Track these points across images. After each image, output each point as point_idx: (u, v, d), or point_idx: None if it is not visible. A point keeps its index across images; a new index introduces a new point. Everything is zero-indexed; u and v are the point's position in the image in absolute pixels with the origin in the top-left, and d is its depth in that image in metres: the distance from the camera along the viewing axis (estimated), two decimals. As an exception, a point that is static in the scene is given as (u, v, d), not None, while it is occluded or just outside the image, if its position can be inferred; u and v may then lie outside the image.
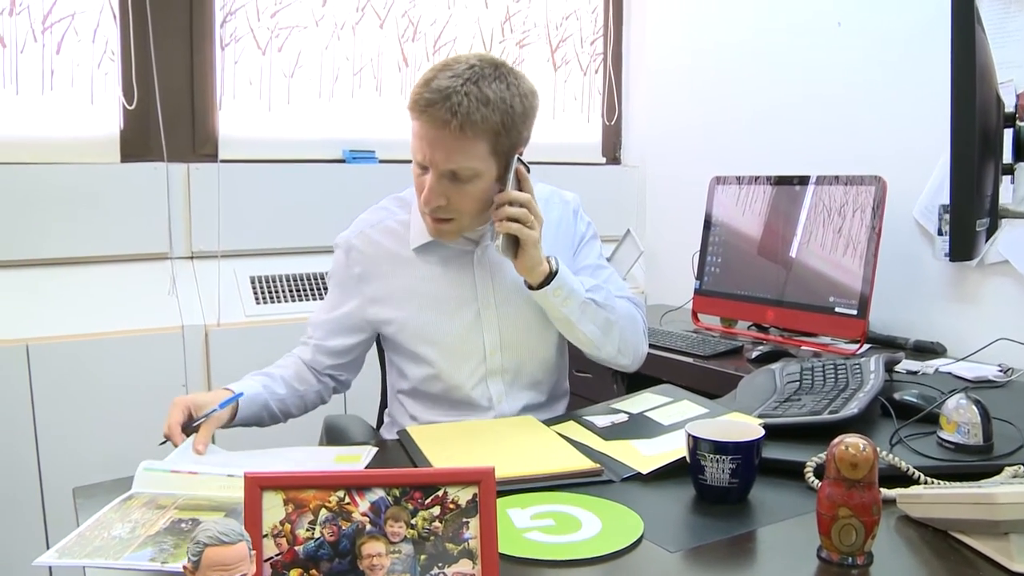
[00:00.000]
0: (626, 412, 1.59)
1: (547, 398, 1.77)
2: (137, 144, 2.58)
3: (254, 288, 2.66)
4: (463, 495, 0.87)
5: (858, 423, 1.45)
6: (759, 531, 1.15)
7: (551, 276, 1.57)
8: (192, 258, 2.64)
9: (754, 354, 2.23)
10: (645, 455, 1.37)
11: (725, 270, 2.64)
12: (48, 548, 1.01)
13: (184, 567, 0.76)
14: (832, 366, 1.74)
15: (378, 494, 0.86)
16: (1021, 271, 2.17)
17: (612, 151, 3.49)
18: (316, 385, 1.70)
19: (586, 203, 1.82)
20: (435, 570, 0.86)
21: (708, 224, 2.71)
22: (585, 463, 1.34)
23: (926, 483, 1.27)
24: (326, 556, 0.85)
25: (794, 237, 2.46)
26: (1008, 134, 1.63)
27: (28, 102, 2.43)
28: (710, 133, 3.09)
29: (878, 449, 1.06)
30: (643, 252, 3.29)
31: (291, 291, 2.69)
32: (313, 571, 0.85)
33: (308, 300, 2.68)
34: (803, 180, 2.46)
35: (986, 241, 1.71)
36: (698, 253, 2.74)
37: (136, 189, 2.54)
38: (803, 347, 2.34)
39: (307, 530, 0.85)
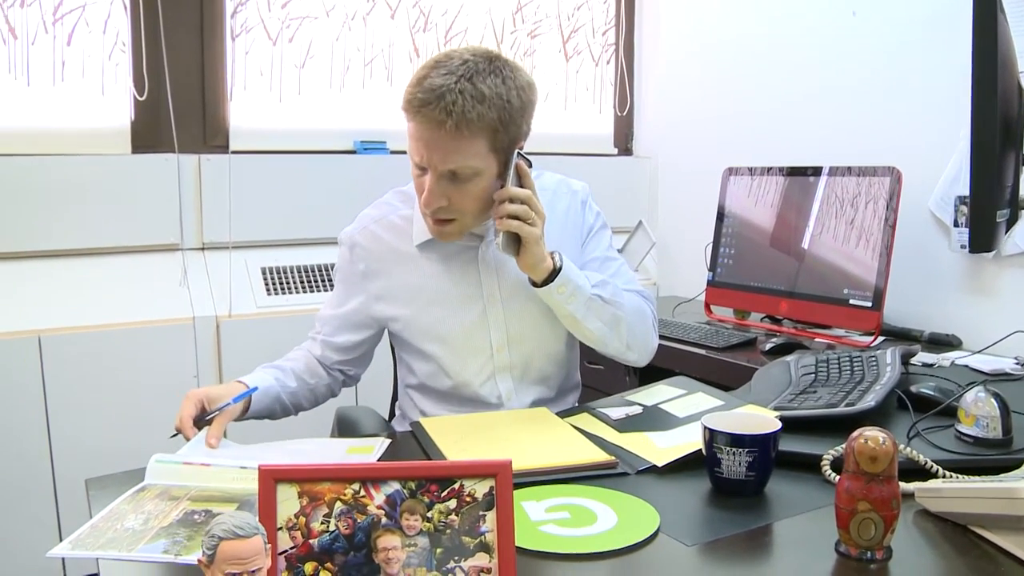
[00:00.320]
0: (640, 404, 1.57)
1: (557, 392, 1.75)
2: (148, 135, 2.58)
3: (265, 279, 2.66)
4: (480, 488, 0.86)
5: (875, 416, 1.43)
6: (776, 525, 1.14)
7: (555, 273, 1.54)
8: (203, 249, 2.64)
9: (768, 346, 2.21)
10: (660, 447, 1.36)
11: (738, 262, 2.63)
12: (60, 539, 1.01)
13: (199, 560, 0.75)
14: (848, 358, 1.72)
15: (394, 487, 0.85)
16: (1038, 263, 2.15)
17: (624, 142, 3.47)
18: (326, 379, 1.69)
19: (597, 194, 1.80)
20: (451, 563, 0.85)
21: (721, 215, 2.69)
22: (600, 455, 1.32)
23: (944, 477, 1.25)
24: (341, 549, 0.84)
25: (808, 228, 2.44)
26: (1030, 124, 1.61)
27: (39, 93, 2.43)
28: (723, 124, 3.07)
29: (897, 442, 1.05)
30: (655, 243, 3.28)
31: (302, 282, 2.69)
32: (328, 564, 0.84)
33: (319, 291, 2.67)
34: (817, 171, 2.44)
35: (1006, 232, 1.69)
36: (711, 245, 2.72)
37: (147, 180, 2.54)
38: (817, 339, 2.32)
39: (322, 523, 0.84)
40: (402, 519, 0.85)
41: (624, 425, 1.47)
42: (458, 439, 1.42)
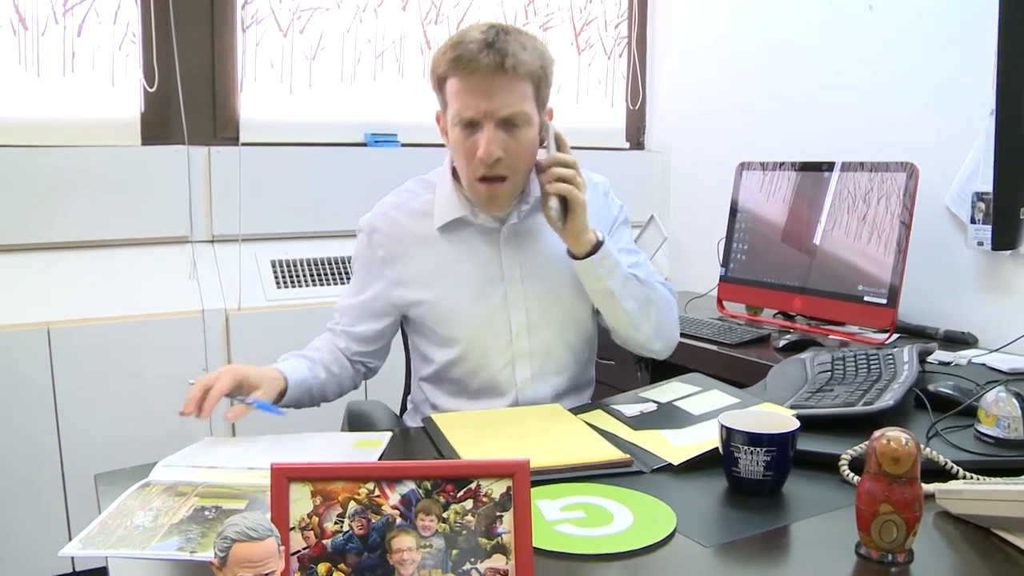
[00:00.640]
0: (655, 401, 1.56)
1: (573, 386, 1.74)
2: (158, 127, 2.56)
3: (275, 272, 2.65)
4: (497, 488, 0.84)
5: (893, 415, 1.42)
6: (794, 526, 1.13)
7: (598, 246, 1.55)
8: (213, 242, 2.62)
9: (781, 343, 2.19)
10: (676, 445, 1.34)
11: (751, 257, 2.61)
12: (69, 533, 1.00)
13: (211, 563, 0.73)
14: (864, 356, 1.70)
15: (409, 486, 0.83)
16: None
17: (636, 136, 3.45)
18: (350, 370, 1.68)
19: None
20: (467, 565, 0.83)
21: (734, 210, 2.67)
22: (615, 453, 1.31)
23: (965, 478, 1.23)
24: (355, 550, 0.83)
25: (821, 224, 2.41)
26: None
27: (49, 84, 2.42)
28: (735, 118, 3.04)
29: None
30: (667, 238, 3.26)
31: (312, 275, 2.67)
32: (341, 565, 0.82)
33: (329, 284, 2.66)
34: (830, 166, 2.41)
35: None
36: (723, 240, 2.70)
37: (156, 172, 2.52)
38: (830, 336, 2.30)
39: (335, 523, 0.83)
40: (417, 519, 0.83)
41: (639, 423, 1.45)
42: (471, 435, 1.40)
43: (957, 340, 2.23)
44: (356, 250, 1.71)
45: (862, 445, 1.28)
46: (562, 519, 1.10)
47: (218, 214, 2.61)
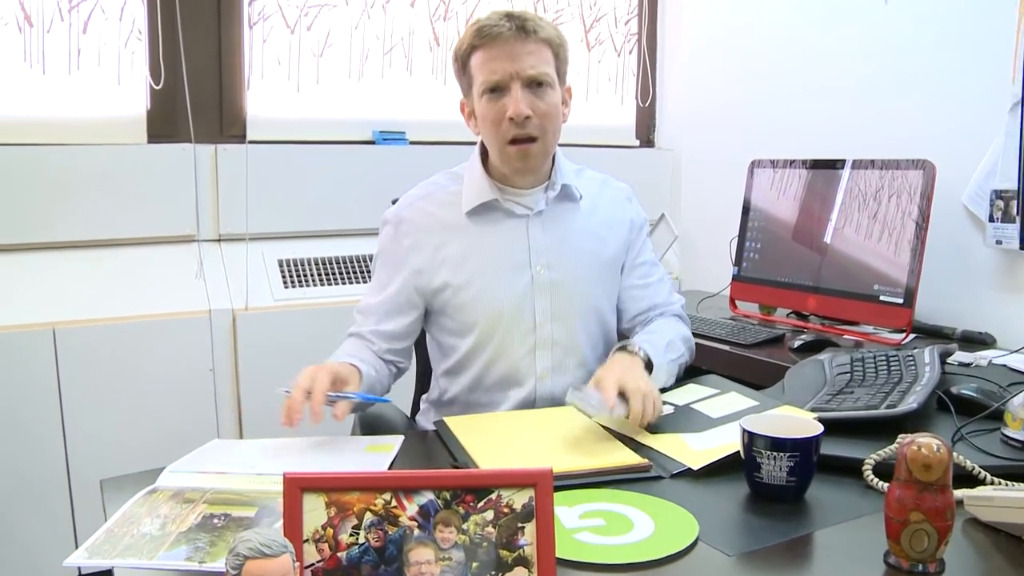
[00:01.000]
0: (672, 404, 1.52)
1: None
2: (164, 125, 2.53)
3: (282, 272, 2.62)
4: (518, 498, 0.81)
5: (916, 418, 1.38)
6: (819, 533, 1.10)
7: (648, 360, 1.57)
8: (220, 241, 2.60)
9: (796, 343, 2.16)
10: (695, 450, 1.31)
11: (764, 256, 2.57)
12: (76, 538, 0.98)
13: (224, 579, 0.70)
14: (884, 357, 1.67)
15: (427, 497, 0.80)
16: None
17: (646, 133, 3.41)
18: (386, 371, 1.67)
19: (604, 174, 1.83)
20: (487, 578, 0.80)
21: (747, 209, 2.64)
22: (633, 458, 1.28)
23: (993, 484, 1.20)
24: (371, 563, 0.80)
25: (836, 223, 2.38)
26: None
27: (54, 82, 2.39)
28: (747, 115, 3.01)
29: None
30: (677, 237, 3.23)
31: (320, 275, 2.65)
32: (357, 578, 0.80)
33: (337, 284, 2.63)
34: (844, 164, 2.38)
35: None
36: (735, 239, 2.66)
37: (163, 170, 2.49)
38: (845, 336, 2.27)
39: (351, 535, 0.80)
40: (436, 531, 0.80)
41: (656, 426, 1.42)
42: (485, 439, 1.38)
43: (975, 340, 2.19)
44: (380, 244, 1.71)
45: (887, 449, 1.25)
46: (581, 527, 1.07)
47: (225, 213, 2.58)
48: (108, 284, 2.39)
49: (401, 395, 1.91)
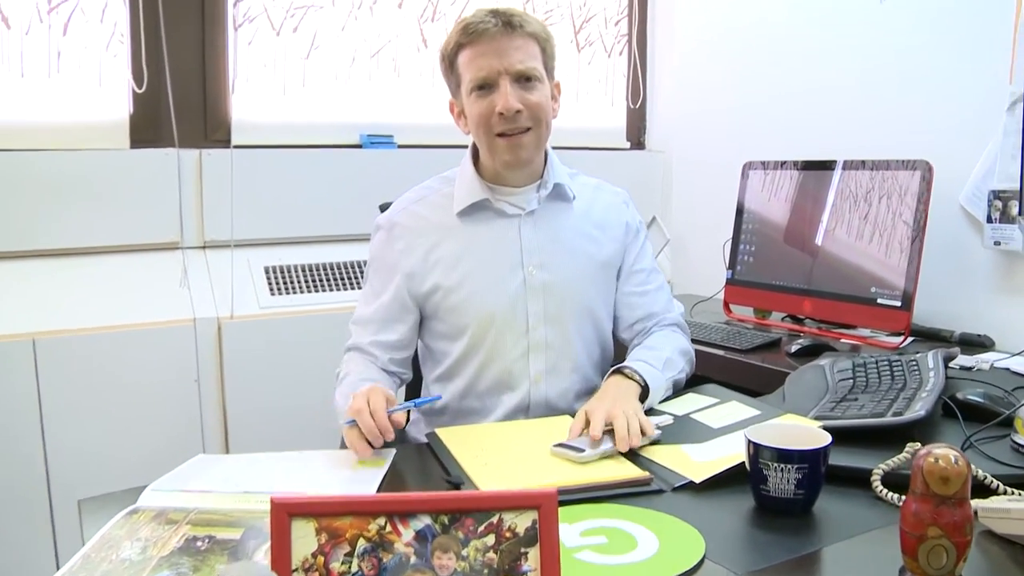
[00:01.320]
0: (671, 414, 1.48)
1: (586, 389, 1.69)
2: (147, 129, 2.48)
3: (269, 279, 2.56)
4: (521, 521, 0.76)
5: (923, 426, 1.35)
6: (829, 549, 1.05)
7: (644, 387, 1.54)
8: (204, 248, 2.54)
9: (794, 348, 2.12)
10: (697, 461, 1.27)
11: (759, 259, 2.53)
12: (57, 557, 0.92)
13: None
14: (887, 363, 1.63)
15: (424, 521, 0.76)
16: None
17: (636, 135, 3.37)
18: (392, 385, 1.64)
19: (599, 179, 1.81)
20: (487, 605, 0.76)
21: (740, 211, 2.60)
22: (633, 471, 1.24)
23: (1006, 494, 1.16)
24: (365, 591, 0.75)
25: (831, 224, 2.34)
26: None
27: (34, 86, 2.33)
28: (740, 116, 2.97)
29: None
30: (669, 240, 3.20)
31: (307, 282, 2.59)
32: (349, 607, 0.75)
33: (325, 291, 2.58)
34: (839, 165, 2.35)
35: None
36: (729, 241, 2.62)
37: (146, 176, 2.44)
38: (842, 339, 2.23)
39: (343, 563, 0.75)
40: (433, 558, 0.75)
41: (656, 436, 1.37)
42: (479, 452, 1.33)
43: (973, 343, 2.16)
44: (372, 251, 1.69)
45: (896, 458, 1.22)
46: (583, 545, 1.02)
47: (209, 219, 2.52)
48: (90, 293, 2.33)
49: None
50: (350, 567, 0.75)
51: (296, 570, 0.74)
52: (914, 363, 1.60)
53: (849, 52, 2.58)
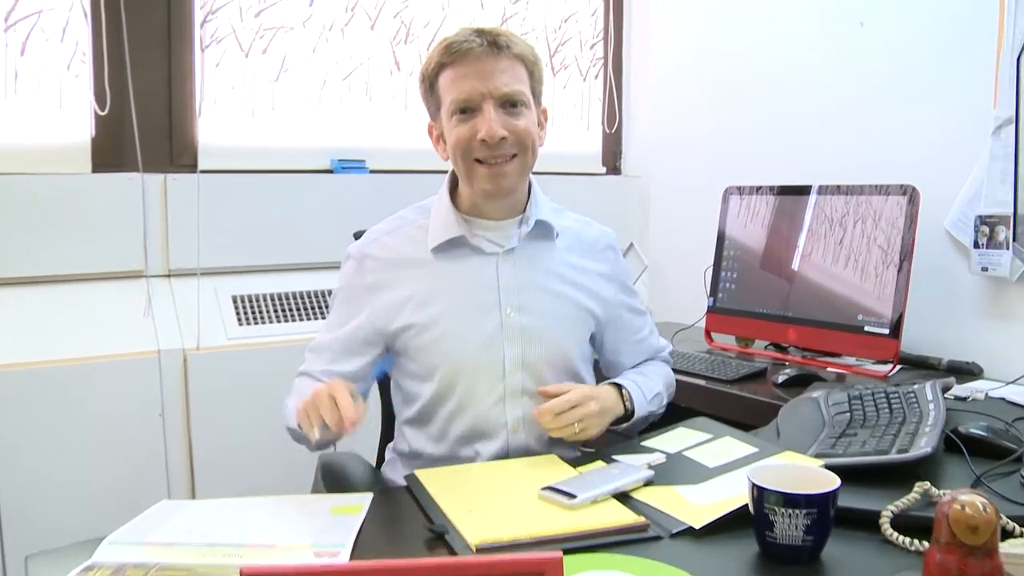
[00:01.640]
0: (662, 451, 1.41)
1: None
2: (110, 153, 2.39)
3: (236, 308, 2.47)
4: (522, 588, 0.69)
5: (927, 462, 1.29)
6: (842, 600, 0.98)
7: (628, 415, 1.56)
8: (169, 276, 2.45)
9: (780, 378, 2.06)
10: (694, 504, 1.20)
11: (740, 286, 2.48)
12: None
13: None
14: (883, 395, 1.58)
15: (413, 590, 0.68)
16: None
17: (612, 160, 3.32)
18: None
19: (586, 216, 1.73)
20: None
21: (721, 238, 2.55)
22: (628, 516, 1.16)
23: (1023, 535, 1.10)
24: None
25: (814, 251, 2.30)
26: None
27: (-10, 107, 2.24)
28: (718, 141, 2.93)
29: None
30: (647, 267, 3.14)
31: (276, 311, 2.51)
32: None
33: (295, 321, 2.49)
34: (823, 190, 2.30)
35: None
36: (710, 268, 2.57)
37: (108, 201, 2.34)
38: (828, 368, 2.18)
39: (323, 638, 0.67)
40: (425, 631, 0.68)
41: (651, 477, 1.30)
42: (462, 497, 1.25)
43: (962, 371, 2.12)
44: (341, 279, 1.58)
45: (905, 499, 1.15)
46: (580, 602, 0.94)
47: (175, 246, 2.43)
48: (47, 323, 2.23)
49: (365, 444, 1.78)
50: (331, 644, 0.67)
51: (269, 649, 0.66)
52: (912, 395, 1.55)
53: (830, 76, 2.55)
